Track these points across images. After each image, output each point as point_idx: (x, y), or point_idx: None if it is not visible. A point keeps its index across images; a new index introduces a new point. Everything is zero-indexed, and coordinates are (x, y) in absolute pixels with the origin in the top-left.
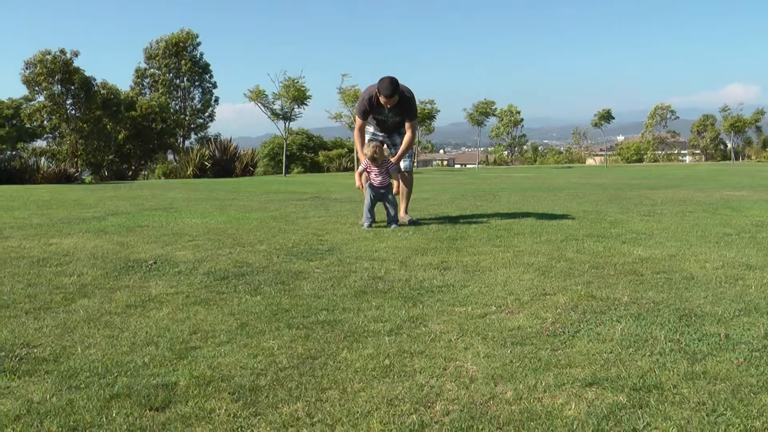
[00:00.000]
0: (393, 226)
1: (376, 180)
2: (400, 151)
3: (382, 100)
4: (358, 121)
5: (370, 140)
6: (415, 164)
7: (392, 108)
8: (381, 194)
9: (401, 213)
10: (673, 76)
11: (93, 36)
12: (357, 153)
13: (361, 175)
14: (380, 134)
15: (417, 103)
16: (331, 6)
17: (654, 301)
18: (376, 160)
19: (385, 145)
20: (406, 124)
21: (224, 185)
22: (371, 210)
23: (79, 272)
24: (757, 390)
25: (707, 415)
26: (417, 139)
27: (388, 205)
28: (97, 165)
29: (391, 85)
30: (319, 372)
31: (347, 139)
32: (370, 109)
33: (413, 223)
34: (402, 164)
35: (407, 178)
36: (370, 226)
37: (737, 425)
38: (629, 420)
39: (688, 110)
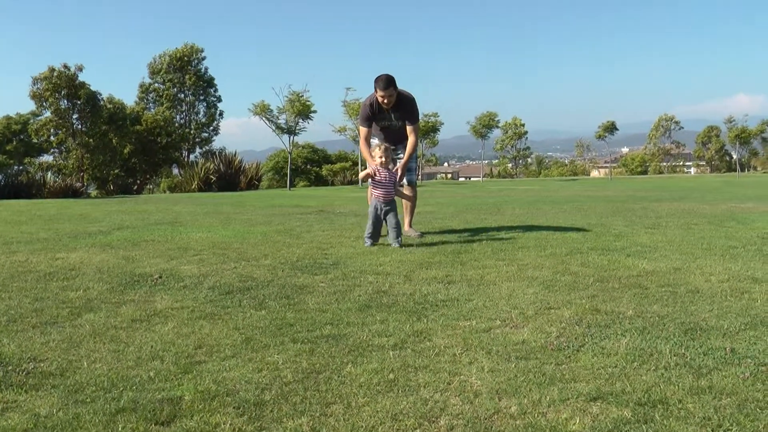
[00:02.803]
0: (395, 244)
1: (381, 191)
2: (405, 156)
3: (379, 96)
4: (363, 130)
5: (377, 144)
6: (419, 177)
7: (393, 109)
8: (384, 211)
9: (405, 227)
10: (678, 87)
11: (99, 50)
12: (367, 162)
13: (367, 177)
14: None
15: (420, 111)
16: (336, 20)
17: (659, 314)
18: (387, 153)
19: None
20: (408, 128)
21: (229, 199)
22: (374, 228)
23: (85, 287)
24: (763, 405)
25: (713, 431)
26: (421, 152)
27: (389, 221)
28: (102, 179)
29: (387, 79)
30: (324, 386)
31: (351, 152)
32: (372, 114)
33: (418, 236)
34: (406, 178)
35: (411, 191)
36: (372, 244)
37: None
38: None
39: (693, 121)
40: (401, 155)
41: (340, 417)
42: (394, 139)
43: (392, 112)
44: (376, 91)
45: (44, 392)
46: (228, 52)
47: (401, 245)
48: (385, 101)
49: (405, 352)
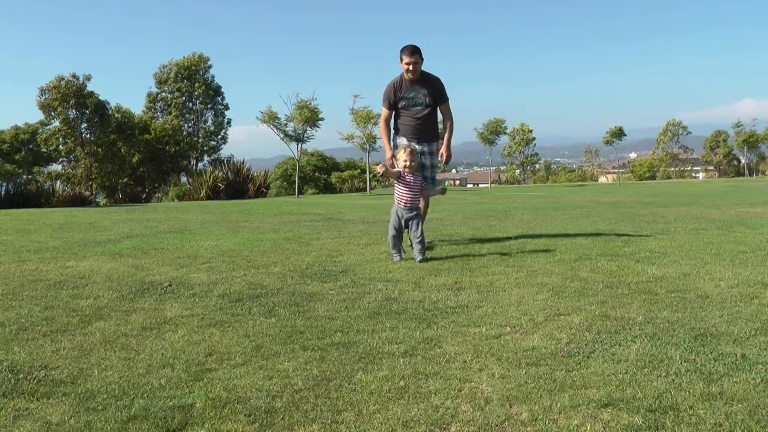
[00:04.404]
0: (419, 258)
1: (405, 197)
2: (446, 138)
3: (405, 64)
4: (384, 111)
5: (403, 145)
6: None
7: (421, 85)
8: (407, 219)
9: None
10: (686, 92)
11: (107, 59)
12: (385, 146)
13: (390, 165)
14: (415, 144)
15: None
16: (343, 28)
17: (669, 320)
18: (413, 156)
19: (421, 158)
20: (441, 108)
21: (237, 207)
22: (399, 240)
23: (95, 295)
24: None
25: None
26: None
27: (413, 232)
28: (111, 188)
29: (413, 46)
30: (335, 394)
31: (359, 160)
32: (395, 92)
33: (427, 243)
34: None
35: (425, 200)
36: (401, 258)
37: None
38: None
39: (701, 126)
40: (426, 149)
41: (351, 424)
42: (413, 130)
43: (420, 89)
44: (401, 60)
45: (56, 400)
46: (235, 60)
47: (426, 260)
48: (410, 68)
49: (415, 359)
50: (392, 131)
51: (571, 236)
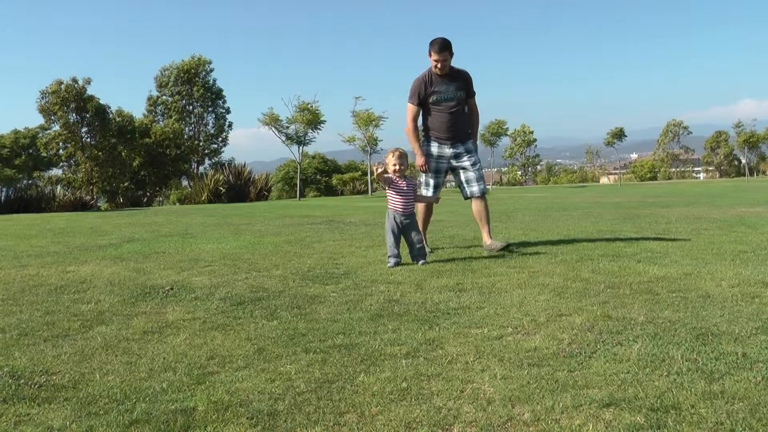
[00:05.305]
0: (421, 262)
1: (399, 203)
2: (475, 134)
3: (434, 60)
4: (411, 108)
5: (392, 149)
6: (446, 185)
7: (452, 79)
8: (404, 225)
9: (487, 239)
10: (686, 92)
11: (108, 63)
12: (414, 149)
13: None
14: (447, 148)
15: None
16: (344, 27)
17: (670, 320)
18: (401, 160)
19: (451, 162)
20: (469, 103)
21: (239, 210)
22: (396, 245)
23: (96, 299)
24: None
25: None
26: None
27: (412, 237)
28: (112, 192)
29: (443, 41)
30: (337, 396)
31: (361, 162)
32: (426, 86)
33: (503, 246)
34: (476, 188)
35: (482, 201)
36: (396, 264)
37: None
38: None
39: (701, 126)
40: (461, 149)
41: (354, 426)
42: (446, 128)
43: (451, 83)
44: (430, 55)
45: (57, 405)
46: (236, 63)
47: (427, 263)
48: (439, 65)
49: (417, 361)
50: (422, 137)
51: (572, 237)
